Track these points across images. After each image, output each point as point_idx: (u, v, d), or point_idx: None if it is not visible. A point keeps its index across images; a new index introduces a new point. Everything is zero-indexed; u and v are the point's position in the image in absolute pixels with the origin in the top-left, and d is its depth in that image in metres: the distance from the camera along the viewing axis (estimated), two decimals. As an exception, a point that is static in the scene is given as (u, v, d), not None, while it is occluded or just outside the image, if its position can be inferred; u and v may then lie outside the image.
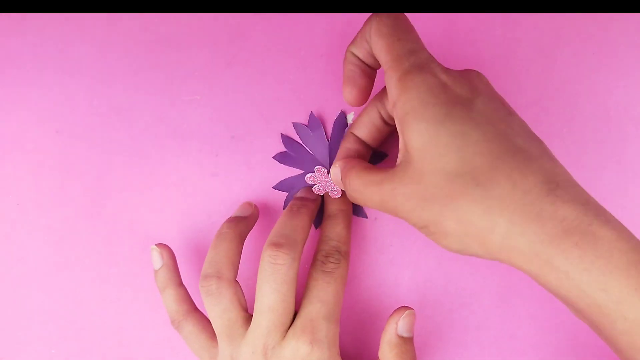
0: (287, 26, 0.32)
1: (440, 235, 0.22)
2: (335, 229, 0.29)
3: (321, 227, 0.30)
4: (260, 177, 0.32)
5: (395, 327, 0.27)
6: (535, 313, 0.31)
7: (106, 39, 0.32)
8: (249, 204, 0.31)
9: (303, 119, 0.32)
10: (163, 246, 0.30)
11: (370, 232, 0.32)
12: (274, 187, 0.32)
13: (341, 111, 0.31)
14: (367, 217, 0.32)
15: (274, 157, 0.32)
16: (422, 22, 0.32)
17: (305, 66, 0.32)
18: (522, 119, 0.24)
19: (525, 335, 0.31)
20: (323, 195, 0.31)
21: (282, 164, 0.32)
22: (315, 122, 0.31)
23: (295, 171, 0.32)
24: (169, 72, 0.32)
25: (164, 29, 0.32)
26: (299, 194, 0.31)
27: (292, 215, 0.28)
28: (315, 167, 0.31)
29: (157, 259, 0.30)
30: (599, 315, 0.19)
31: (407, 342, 0.27)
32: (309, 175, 0.31)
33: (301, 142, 0.32)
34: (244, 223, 0.30)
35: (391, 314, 0.27)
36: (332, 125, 0.31)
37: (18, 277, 0.33)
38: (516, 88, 0.32)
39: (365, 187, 0.25)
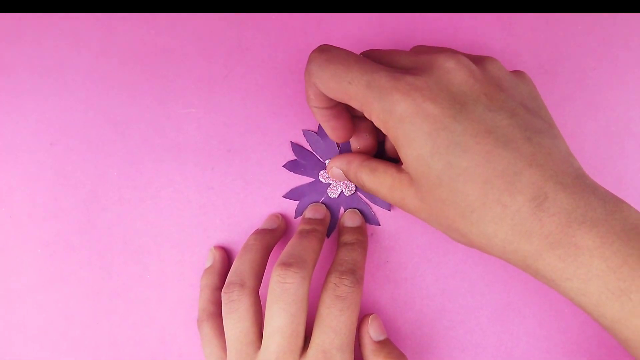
0: (284, 40, 0.32)
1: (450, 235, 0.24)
2: (351, 254, 0.28)
3: (336, 253, 0.29)
4: (256, 191, 0.32)
5: (369, 336, 0.28)
6: (533, 331, 0.31)
7: (102, 50, 0.32)
8: (276, 216, 0.31)
9: (300, 133, 0.32)
10: (218, 249, 0.31)
11: (366, 248, 0.31)
12: (285, 196, 0.32)
13: None
14: (379, 225, 0.32)
15: (284, 166, 0.32)
16: (421, 39, 0.32)
17: (302, 80, 0.32)
18: (519, 104, 0.23)
19: (523, 353, 0.31)
20: (338, 218, 0.31)
21: (279, 177, 0.32)
22: None
23: (303, 179, 0.32)
24: (165, 84, 0.32)
25: (161, 41, 0.32)
26: (307, 214, 0.31)
27: (302, 237, 0.28)
28: (327, 161, 0.31)
29: (209, 259, 0.31)
30: (586, 311, 0.22)
31: (387, 343, 0.28)
32: (321, 172, 0.31)
33: (311, 150, 0.31)
34: (270, 235, 0.30)
35: (360, 327, 0.28)
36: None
37: (11, 289, 0.32)
38: (516, 103, 0.31)
39: (377, 191, 0.26)
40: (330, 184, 0.31)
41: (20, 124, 0.32)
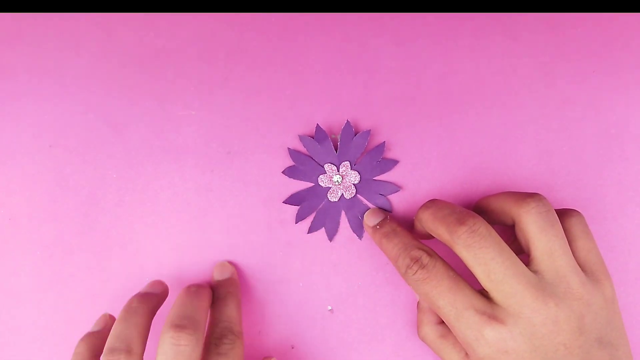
0: (283, 42, 0.32)
1: None
2: (224, 310, 0.28)
3: (210, 310, 0.29)
4: (256, 194, 0.32)
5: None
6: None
7: (101, 52, 0.32)
8: (160, 282, 0.31)
9: (299, 135, 0.31)
10: (112, 317, 0.30)
11: (365, 251, 0.31)
12: (285, 202, 0.31)
13: (347, 121, 0.31)
14: (361, 239, 0.31)
15: (283, 172, 0.31)
16: (421, 42, 0.32)
17: (302, 82, 0.32)
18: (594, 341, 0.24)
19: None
20: (339, 221, 0.31)
21: (279, 180, 0.31)
22: (321, 133, 0.31)
23: (302, 184, 0.32)
24: (164, 86, 0.32)
25: (160, 44, 0.32)
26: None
27: (192, 296, 0.28)
28: (325, 165, 0.31)
29: (97, 323, 0.30)
30: None
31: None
32: (321, 176, 0.31)
33: (309, 154, 0.31)
34: (155, 299, 0.29)
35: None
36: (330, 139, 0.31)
37: (10, 291, 0.32)
38: (516, 105, 0.31)
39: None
40: (330, 187, 0.31)
41: (19, 126, 0.32)
